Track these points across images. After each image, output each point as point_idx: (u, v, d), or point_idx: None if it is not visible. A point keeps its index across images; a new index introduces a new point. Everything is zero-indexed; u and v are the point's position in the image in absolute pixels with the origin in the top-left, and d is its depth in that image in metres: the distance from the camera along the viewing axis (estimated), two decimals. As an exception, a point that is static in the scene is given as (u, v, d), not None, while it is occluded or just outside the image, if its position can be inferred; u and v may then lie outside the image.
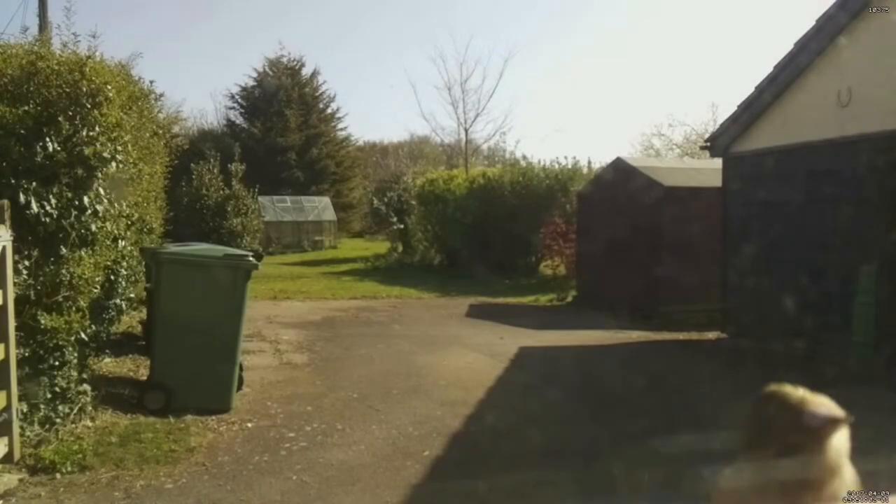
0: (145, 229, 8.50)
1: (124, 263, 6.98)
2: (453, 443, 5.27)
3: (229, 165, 20.19)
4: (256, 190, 21.26)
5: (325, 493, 4.28)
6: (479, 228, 17.93)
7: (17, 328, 4.43)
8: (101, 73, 5.26)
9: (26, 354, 4.59)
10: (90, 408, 5.29)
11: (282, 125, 36.26)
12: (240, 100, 38.47)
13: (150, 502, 4.08)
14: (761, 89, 8.77)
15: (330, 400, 6.38)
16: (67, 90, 4.94)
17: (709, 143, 10.10)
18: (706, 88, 61.66)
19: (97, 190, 5.26)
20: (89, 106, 5.05)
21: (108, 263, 5.95)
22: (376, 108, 71.61)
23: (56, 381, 4.87)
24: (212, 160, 19.70)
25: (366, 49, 71.61)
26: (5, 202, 4.29)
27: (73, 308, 4.89)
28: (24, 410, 4.56)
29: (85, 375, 5.59)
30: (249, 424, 5.57)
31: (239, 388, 6.21)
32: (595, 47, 66.77)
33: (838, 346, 7.33)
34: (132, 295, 8.31)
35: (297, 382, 7.02)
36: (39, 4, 11.84)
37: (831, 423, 0.86)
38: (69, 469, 4.36)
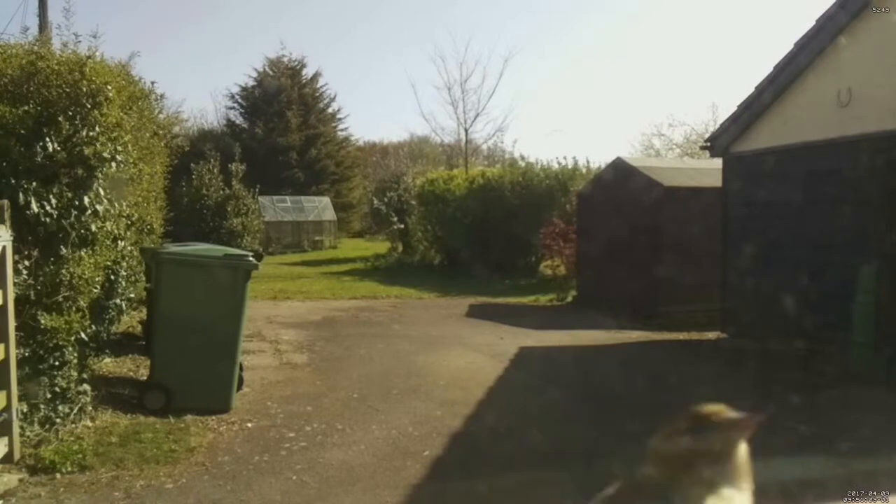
0: (145, 229, 8.50)
1: (124, 263, 6.98)
2: (453, 443, 5.27)
3: (229, 165, 20.19)
4: (256, 190, 21.26)
5: (325, 493, 4.28)
6: (479, 228, 17.92)
7: (17, 328, 4.43)
8: (102, 73, 5.26)
9: (26, 354, 4.59)
10: (90, 408, 5.29)
11: (282, 125, 36.26)
12: (240, 100, 38.51)
13: (150, 502, 4.08)
14: (761, 89, 8.77)
15: (330, 400, 6.38)
16: (67, 90, 4.94)
17: (709, 143, 10.09)
18: (706, 88, 61.69)
19: (97, 190, 5.26)
20: (89, 106, 5.05)
21: (108, 263, 5.95)
22: (376, 108, 71.65)
23: (56, 381, 4.87)
24: (212, 160, 19.70)
25: (366, 49, 71.68)
26: (5, 202, 4.29)
27: (73, 308, 4.89)
28: (24, 410, 4.56)
29: (85, 375, 5.59)
30: (249, 424, 5.57)
31: (239, 388, 6.20)
32: (595, 47, 66.81)
33: (838, 346, 7.33)
34: (132, 295, 8.31)
35: (297, 382, 7.02)
36: (39, 4, 11.85)
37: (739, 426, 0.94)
38: (69, 469, 4.36)
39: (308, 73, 39.54)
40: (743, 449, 0.93)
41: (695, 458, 0.91)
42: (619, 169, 12.13)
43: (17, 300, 4.45)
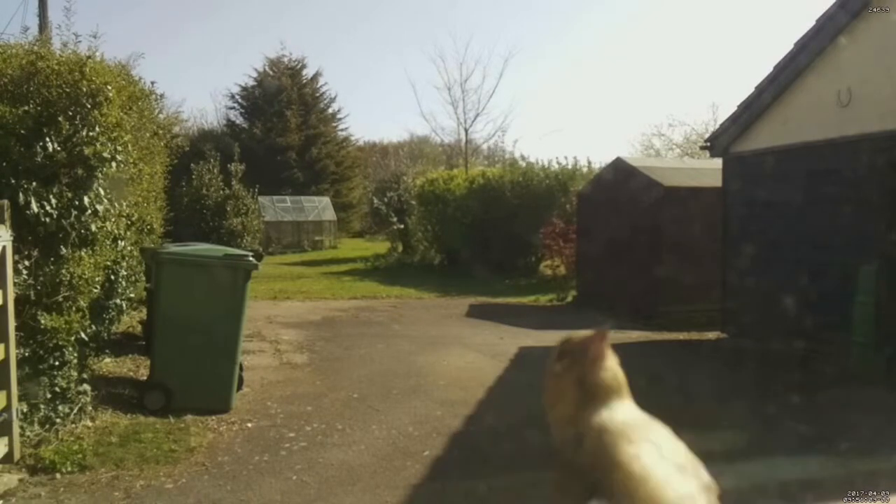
0: (145, 229, 8.50)
1: (124, 263, 6.98)
2: (453, 443, 5.27)
3: (229, 165, 20.18)
4: (256, 190, 21.25)
5: (325, 493, 4.28)
6: (479, 228, 17.92)
7: (17, 328, 4.43)
8: (102, 73, 5.26)
9: (26, 354, 4.59)
10: (90, 408, 5.29)
11: (282, 125, 36.26)
12: (240, 100, 38.49)
13: (150, 502, 4.08)
14: (761, 89, 8.77)
15: (330, 400, 6.38)
16: (67, 90, 4.94)
17: (709, 143, 10.10)
18: (706, 88, 61.75)
19: (97, 190, 5.26)
20: (89, 106, 5.05)
21: (108, 263, 5.95)
22: (376, 108, 71.64)
23: (56, 381, 4.87)
24: (212, 160, 19.69)
25: (366, 49, 71.74)
26: (5, 202, 4.29)
27: (73, 308, 4.89)
28: (24, 410, 4.56)
29: (85, 375, 5.59)
30: (249, 424, 5.57)
31: (239, 388, 6.21)
32: (595, 47, 66.79)
33: (838, 346, 7.33)
34: (132, 295, 8.31)
35: (297, 382, 7.02)
36: (39, 4, 11.86)
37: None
38: (69, 469, 4.36)
39: (308, 73, 39.58)
40: (613, 363, 0.96)
41: (564, 381, 0.95)
42: (619, 169, 12.13)
43: (17, 300, 4.46)
